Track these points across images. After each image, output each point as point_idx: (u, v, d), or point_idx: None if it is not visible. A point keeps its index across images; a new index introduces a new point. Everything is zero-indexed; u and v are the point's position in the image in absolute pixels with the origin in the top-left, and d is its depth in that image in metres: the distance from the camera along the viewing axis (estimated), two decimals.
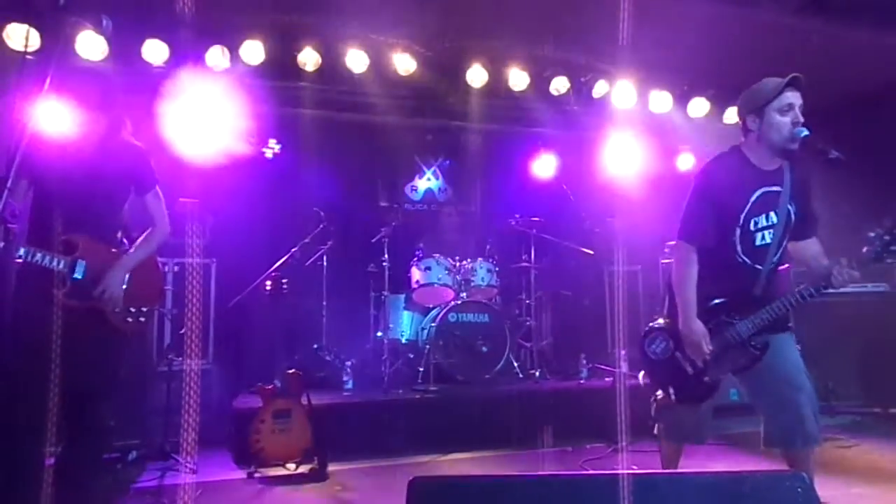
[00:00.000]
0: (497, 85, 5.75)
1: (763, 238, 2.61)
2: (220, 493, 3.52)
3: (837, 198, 3.61)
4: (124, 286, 2.67)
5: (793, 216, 2.65)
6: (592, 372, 5.28)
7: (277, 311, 4.47)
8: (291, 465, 3.85)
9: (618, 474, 1.33)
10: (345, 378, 4.88)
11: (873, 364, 4.87)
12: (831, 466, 2.57)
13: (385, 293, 5.34)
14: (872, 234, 2.48)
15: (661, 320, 2.81)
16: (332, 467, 3.90)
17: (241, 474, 3.84)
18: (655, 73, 5.89)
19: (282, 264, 4.86)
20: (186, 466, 3.82)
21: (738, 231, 2.60)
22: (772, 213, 2.61)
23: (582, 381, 5.15)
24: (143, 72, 4.98)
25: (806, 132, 2.52)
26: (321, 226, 5.25)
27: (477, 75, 5.60)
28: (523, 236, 5.74)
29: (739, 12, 4.61)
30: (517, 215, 5.75)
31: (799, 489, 1.35)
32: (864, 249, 2.49)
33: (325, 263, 5.42)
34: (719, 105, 6.13)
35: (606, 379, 5.12)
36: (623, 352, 5.08)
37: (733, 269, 2.62)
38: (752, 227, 2.60)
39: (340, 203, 5.67)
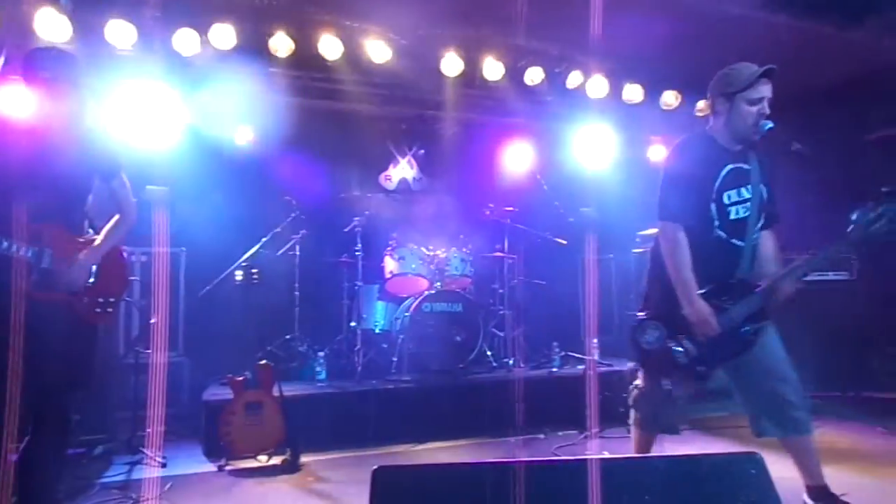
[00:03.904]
0: (472, 74, 5.73)
1: (738, 212, 2.63)
2: (189, 487, 3.47)
3: (802, 189, 3.69)
4: (91, 279, 2.62)
5: (765, 196, 2.68)
6: (565, 360, 5.33)
7: (248, 302, 4.42)
8: (263, 457, 3.81)
9: (579, 459, 1.35)
10: (318, 369, 4.84)
11: (833, 349, 4.99)
12: None
13: (358, 283, 5.31)
14: (855, 216, 2.50)
15: (642, 313, 2.75)
16: (304, 459, 3.88)
17: (211, 467, 3.80)
18: (628, 64, 5.93)
19: (253, 254, 4.80)
20: (155, 460, 3.76)
21: (712, 205, 2.62)
22: (743, 189, 2.64)
23: (554, 370, 5.20)
24: (108, 54, 4.85)
25: (770, 125, 2.57)
26: (293, 215, 5.19)
27: (451, 64, 5.57)
28: (498, 226, 5.74)
29: (708, 5, 4.66)
30: (491, 205, 5.75)
31: (752, 470, 1.40)
32: (849, 229, 2.51)
33: (297, 253, 5.35)
34: (690, 97, 6.20)
35: (578, 367, 5.17)
36: (594, 340, 5.13)
37: (714, 247, 2.62)
38: (725, 200, 2.63)
39: (313, 192, 5.60)
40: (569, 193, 6.10)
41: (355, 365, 4.95)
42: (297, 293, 5.35)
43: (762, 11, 4.72)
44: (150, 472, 3.67)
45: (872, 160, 5.87)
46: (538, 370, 5.25)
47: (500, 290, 5.70)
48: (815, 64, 5.26)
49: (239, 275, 4.22)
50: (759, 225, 2.70)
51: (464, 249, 5.51)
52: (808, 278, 2.65)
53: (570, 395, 4.63)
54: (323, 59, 5.31)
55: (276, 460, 3.80)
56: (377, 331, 5.37)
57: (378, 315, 5.44)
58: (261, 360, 3.97)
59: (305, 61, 5.35)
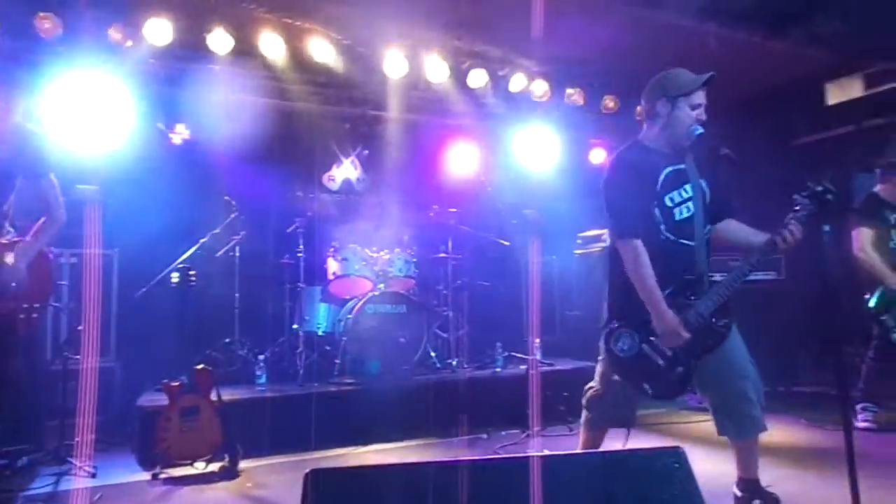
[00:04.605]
0: (416, 75, 5.74)
1: (682, 213, 2.65)
2: (121, 497, 3.34)
3: (731, 193, 3.84)
4: (13, 284, 2.52)
5: (707, 192, 2.74)
6: (508, 360, 5.39)
7: (186, 305, 4.28)
8: (200, 464, 3.70)
9: (509, 457, 1.37)
10: (258, 372, 4.74)
11: (763, 346, 5.20)
12: (723, 441, 2.77)
13: (300, 285, 5.23)
14: (798, 196, 2.56)
15: (612, 322, 2.70)
16: (244, 464, 3.79)
17: (145, 476, 3.66)
18: (570, 68, 6.06)
19: (190, 255, 4.66)
20: (84, 470, 3.61)
21: (656, 211, 2.63)
22: (684, 188, 2.67)
23: (497, 370, 5.25)
24: (35, 48, 4.63)
25: (700, 130, 2.65)
26: (233, 215, 5.07)
27: (395, 65, 5.56)
28: (442, 227, 5.76)
29: (644, 13, 4.81)
30: (436, 206, 5.77)
31: (676, 464, 1.46)
32: (797, 209, 2.57)
33: (237, 254, 5.24)
34: (628, 102, 6.38)
35: (521, 367, 5.24)
36: (537, 340, 5.21)
37: (664, 249, 2.62)
38: (668, 203, 2.65)
39: (254, 192, 5.49)
40: (512, 195, 6.19)
41: (297, 368, 4.88)
42: (237, 295, 5.24)
43: (693, 20, 4.91)
44: (78, 482, 3.51)
45: (797, 165, 6.20)
46: (482, 371, 5.29)
47: (444, 292, 5.72)
48: (744, 72, 5.51)
49: (175, 277, 4.09)
50: (707, 220, 2.73)
51: (408, 251, 5.50)
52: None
53: (512, 395, 4.68)
54: (264, 57, 5.23)
55: (214, 467, 3.70)
56: (320, 333, 5.30)
57: (321, 317, 5.37)
58: (198, 364, 3.86)
59: (246, 59, 5.25)
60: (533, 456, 1.39)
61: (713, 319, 2.61)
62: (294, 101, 5.76)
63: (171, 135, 5.37)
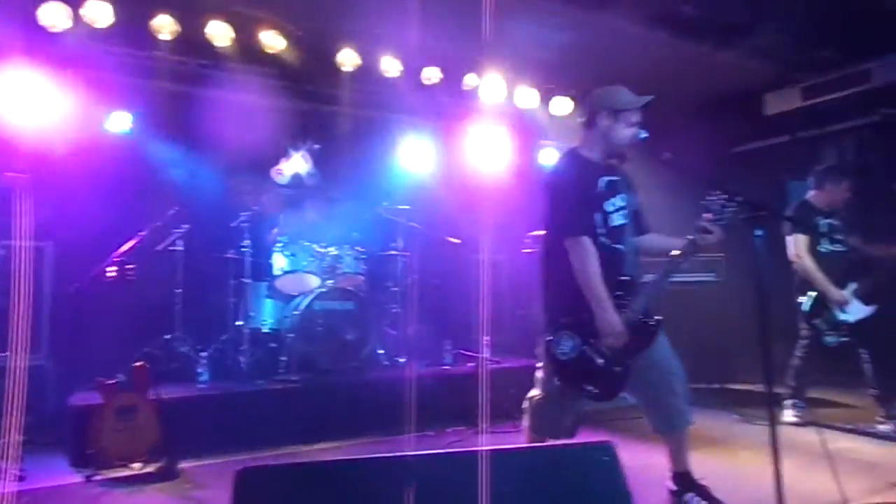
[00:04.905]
0: (369, 70, 5.69)
1: (616, 220, 2.80)
2: (52, 500, 3.21)
3: (672, 197, 3.97)
4: None
5: (636, 204, 2.91)
6: (457, 358, 5.41)
7: (124, 301, 4.13)
8: (137, 465, 3.58)
9: (435, 454, 1.38)
10: (200, 370, 4.60)
11: (703, 345, 5.42)
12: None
13: (246, 280, 5.11)
14: (711, 198, 2.68)
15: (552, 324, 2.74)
16: (185, 465, 3.68)
17: (78, 478, 3.51)
18: (522, 69, 6.12)
19: (129, 249, 4.49)
20: (11, 473, 3.43)
21: (597, 215, 2.76)
22: (618, 197, 2.83)
23: (446, 367, 5.26)
24: None
25: (644, 134, 2.77)
26: (175, 208, 4.90)
27: (348, 58, 5.50)
28: (392, 224, 5.73)
29: (597, 18, 4.90)
30: (386, 203, 5.73)
31: (605, 458, 1.51)
32: (705, 214, 2.69)
33: (180, 249, 5.07)
34: (579, 105, 6.49)
35: (469, 364, 5.27)
36: (486, 338, 5.24)
37: (601, 253, 2.71)
38: (608, 209, 2.79)
39: (198, 185, 5.32)
40: (463, 193, 6.20)
41: (241, 365, 4.77)
42: (178, 290, 5.07)
43: (645, 28, 5.03)
44: (4, 486, 3.33)
45: (736, 171, 6.43)
46: (430, 368, 5.29)
47: (394, 289, 5.68)
48: (689, 80, 5.68)
49: (112, 271, 3.93)
50: (635, 230, 2.91)
51: (357, 247, 5.45)
52: (680, 279, 2.86)
53: (461, 392, 4.70)
54: (211, 45, 5.07)
55: (151, 468, 3.58)
56: (265, 330, 5.19)
57: (266, 313, 5.26)
58: (137, 361, 3.73)
59: (192, 46, 5.09)
60: (466, 451, 1.40)
61: (645, 318, 2.74)
62: (242, 93, 5.61)
63: (108, 122, 5.15)
